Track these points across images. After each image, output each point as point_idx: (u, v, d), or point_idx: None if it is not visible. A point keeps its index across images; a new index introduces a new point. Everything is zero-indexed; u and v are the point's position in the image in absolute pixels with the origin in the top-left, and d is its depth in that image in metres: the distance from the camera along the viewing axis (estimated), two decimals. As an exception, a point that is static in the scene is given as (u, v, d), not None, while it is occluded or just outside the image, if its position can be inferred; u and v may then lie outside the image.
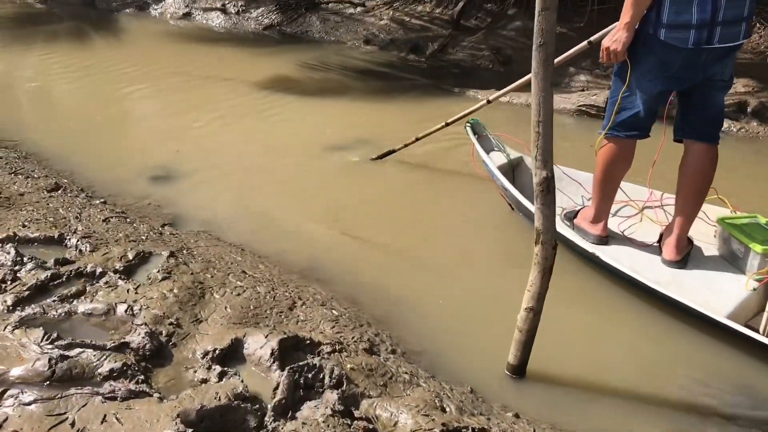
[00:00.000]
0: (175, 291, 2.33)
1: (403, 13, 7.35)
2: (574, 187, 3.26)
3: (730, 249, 2.70)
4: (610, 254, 2.69)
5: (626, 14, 2.41)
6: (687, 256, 2.71)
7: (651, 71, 2.49)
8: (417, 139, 3.78)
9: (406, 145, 3.84)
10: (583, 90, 5.02)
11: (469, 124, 3.52)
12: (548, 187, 1.99)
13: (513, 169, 3.40)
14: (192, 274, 2.48)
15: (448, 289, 2.74)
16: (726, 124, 4.66)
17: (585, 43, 2.93)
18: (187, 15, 8.34)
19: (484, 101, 3.57)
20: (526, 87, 3.61)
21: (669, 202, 2.97)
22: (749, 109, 4.53)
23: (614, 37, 2.48)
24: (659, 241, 2.81)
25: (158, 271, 2.47)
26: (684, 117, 2.65)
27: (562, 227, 2.84)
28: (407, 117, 4.79)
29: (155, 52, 6.80)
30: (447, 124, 3.67)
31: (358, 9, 7.62)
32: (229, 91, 5.41)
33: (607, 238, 2.86)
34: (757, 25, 5.80)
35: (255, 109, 5.02)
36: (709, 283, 2.61)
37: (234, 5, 8.22)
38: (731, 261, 2.71)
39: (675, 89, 2.58)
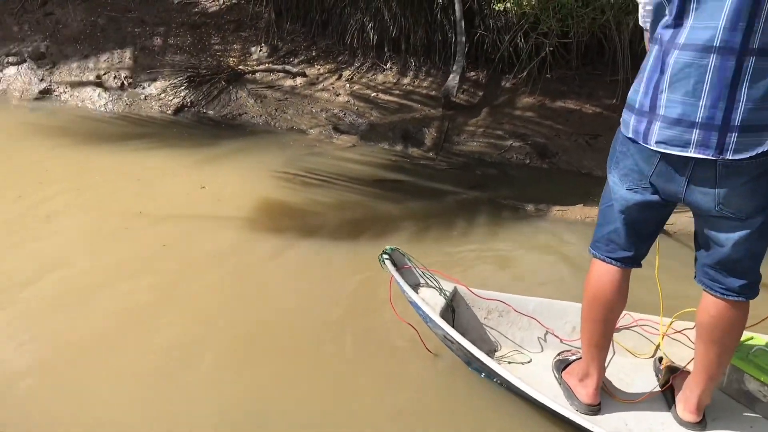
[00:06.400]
0: None
1: (362, 86, 5.80)
2: (569, 317, 2.48)
3: (742, 388, 2.19)
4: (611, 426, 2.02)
5: None
6: (704, 414, 2.07)
7: (628, 176, 1.83)
8: None
9: None
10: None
11: (386, 254, 2.50)
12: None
13: (453, 311, 2.50)
14: None
15: None
16: None
17: None
18: (46, 93, 5.92)
19: None
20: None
21: (648, 323, 2.44)
22: None
23: None
24: (665, 384, 2.18)
25: None
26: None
27: (549, 384, 2.23)
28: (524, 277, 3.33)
29: (7, 172, 4.43)
30: None
31: (299, 80, 5.90)
32: (225, 254, 3.38)
33: (598, 407, 2.11)
34: None
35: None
36: None
37: (115, 77, 6.00)
38: (747, 403, 2.18)
39: (656, 203, 1.82)
